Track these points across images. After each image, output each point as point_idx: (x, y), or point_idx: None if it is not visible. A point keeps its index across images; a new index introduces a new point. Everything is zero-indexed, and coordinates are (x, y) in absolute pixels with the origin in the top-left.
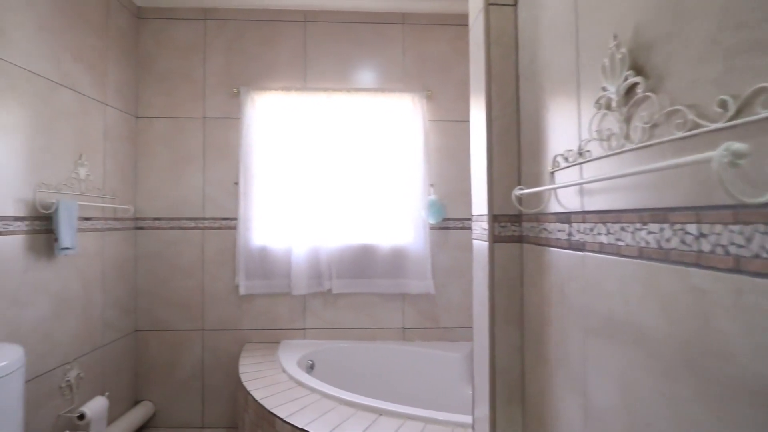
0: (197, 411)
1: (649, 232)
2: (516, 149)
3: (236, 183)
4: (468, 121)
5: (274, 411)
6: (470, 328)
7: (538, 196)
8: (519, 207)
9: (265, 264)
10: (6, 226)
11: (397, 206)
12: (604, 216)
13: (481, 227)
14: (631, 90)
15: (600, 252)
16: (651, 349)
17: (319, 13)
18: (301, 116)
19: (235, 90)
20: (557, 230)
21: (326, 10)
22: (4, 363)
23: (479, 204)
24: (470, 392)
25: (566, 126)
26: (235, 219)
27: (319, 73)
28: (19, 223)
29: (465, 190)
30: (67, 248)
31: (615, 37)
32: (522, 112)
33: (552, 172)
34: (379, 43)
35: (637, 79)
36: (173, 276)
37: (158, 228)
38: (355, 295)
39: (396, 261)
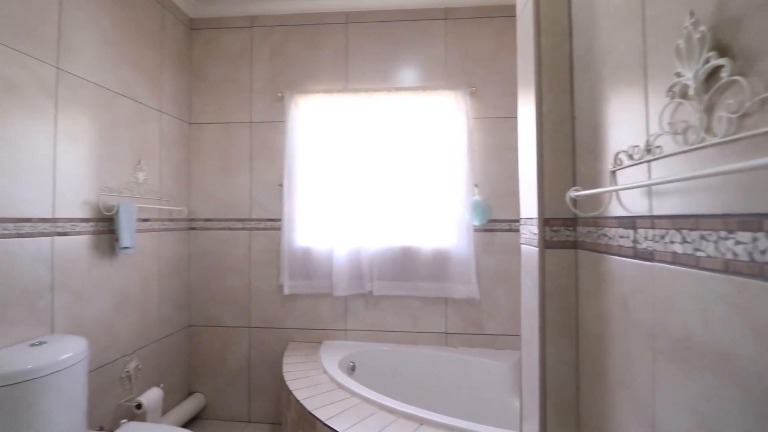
0: (244, 405)
1: (738, 242)
2: (570, 146)
3: (281, 185)
4: (515, 117)
5: (314, 413)
6: (518, 335)
7: (596, 198)
8: (574, 210)
9: (308, 264)
10: (73, 227)
11: (440, 207)
12: (679, 221)
13: (530, 231)
14: (713, 74)
15: (673, 263)
16: (738, 380)
17: (361, 14)
18: (342, 117)
19: (279, 94)
20: (619, 236)
21: (367, 11)
22: (71, 354)
23: (528, 206)
24: (518, 404)
25: (630, 119)
26: (279, 220)
27: (361, 73)
28: (84, 224)
29: (511, 190)
30: (127, 248)
31: (692, 14)
32: (576, 106)
33: (613, 171)
34: (420, 41)
35: (722, 61)
36: (223, 274)
37: (209, 228)
38: (396, 298)
39: (439, 264)
